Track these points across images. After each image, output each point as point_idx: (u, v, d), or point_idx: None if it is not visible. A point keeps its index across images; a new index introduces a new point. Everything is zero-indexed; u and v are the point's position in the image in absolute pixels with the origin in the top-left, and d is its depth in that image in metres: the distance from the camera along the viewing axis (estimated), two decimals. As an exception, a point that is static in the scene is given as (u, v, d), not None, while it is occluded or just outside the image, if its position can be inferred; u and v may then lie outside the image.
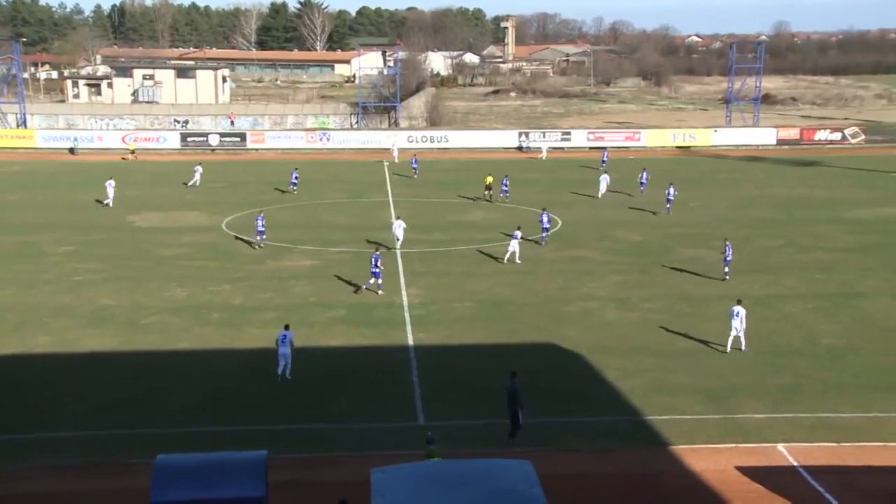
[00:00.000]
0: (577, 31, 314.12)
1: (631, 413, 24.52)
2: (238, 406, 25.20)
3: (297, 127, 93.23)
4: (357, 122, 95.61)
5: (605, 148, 74.05)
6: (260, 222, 43.57)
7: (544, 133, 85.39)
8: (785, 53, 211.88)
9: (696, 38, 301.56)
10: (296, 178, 59.59)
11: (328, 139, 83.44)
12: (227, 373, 27.71)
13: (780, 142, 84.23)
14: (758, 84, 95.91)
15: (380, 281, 35.59)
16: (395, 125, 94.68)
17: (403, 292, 35.85)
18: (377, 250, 36.88)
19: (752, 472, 20.92)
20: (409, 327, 31.67)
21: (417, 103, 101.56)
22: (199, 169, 62.30)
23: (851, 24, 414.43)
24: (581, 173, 67.21)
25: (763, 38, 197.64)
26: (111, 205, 53.98)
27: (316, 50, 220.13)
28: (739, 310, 28.71)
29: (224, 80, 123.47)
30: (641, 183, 57.93)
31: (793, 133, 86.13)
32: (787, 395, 25.55)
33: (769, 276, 37.95)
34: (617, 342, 30.05)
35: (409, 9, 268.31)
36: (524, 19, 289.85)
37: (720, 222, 49.04)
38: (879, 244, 43.84)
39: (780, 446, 22.36)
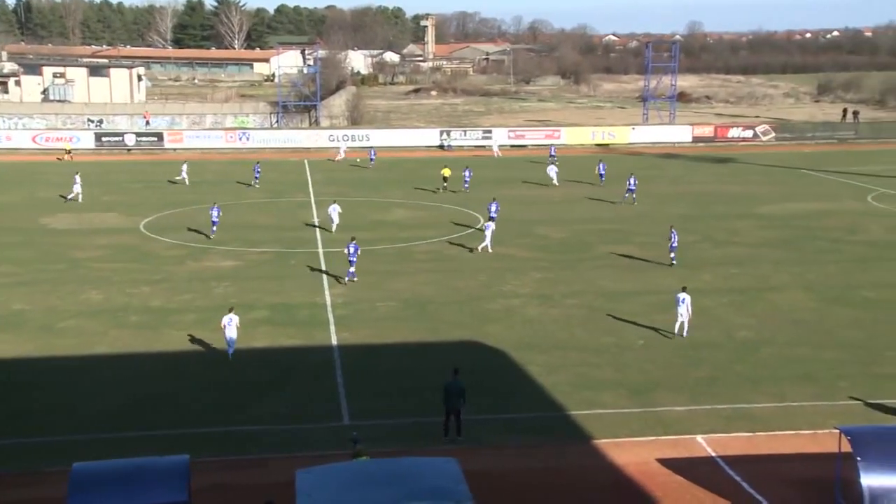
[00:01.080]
0: (497, 29, 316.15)
1: (555, 409, 24.81)
2: (159, 410, 24.74)
3: (216, 126, 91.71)
4: (277, 121, 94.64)
5: (552, 145, 75.23)
6: (215, 213, 44.96)
7: (465, 131, 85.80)
8: (699, 53, 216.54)
9: (613, 38, 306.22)
10: (258, 171, 61.04)
11: (248, 139, 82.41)
12: (146, 376, 27.18)
13: (696, 139, 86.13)
14: (673, 83, 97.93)
15: (352, 269, 36.60)
16: (315, 124, 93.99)
17: (326, 292, 35.64)
18: (353, 240, 37.32)
19: (672, 464, 21.38)
20: (332, 327, 31.51)
21: (338, 102, 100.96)
22: (186, 166, 62.28)
23: (760, 25, 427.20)
24: (502, 171, 67.74)
25: (678, 37, 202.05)
26: (80, 199, 54.31)
27: (234, 48, 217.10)
28: (685, 296, 29.83)
29: (139, 78, 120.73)
30: (601, 175, 60.24)
31: (707, 130, 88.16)
32: (705, 387, 26.17)
33: (686, 270, 38.76)
34: (540, 338, 30.37)
35: (329, 7, 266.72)
36: (444, 18, 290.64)
37: (639, 218, 49.95)
38: (789, 238, 45.18)
39: (700, 437, 22.90)
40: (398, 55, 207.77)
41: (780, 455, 21.94)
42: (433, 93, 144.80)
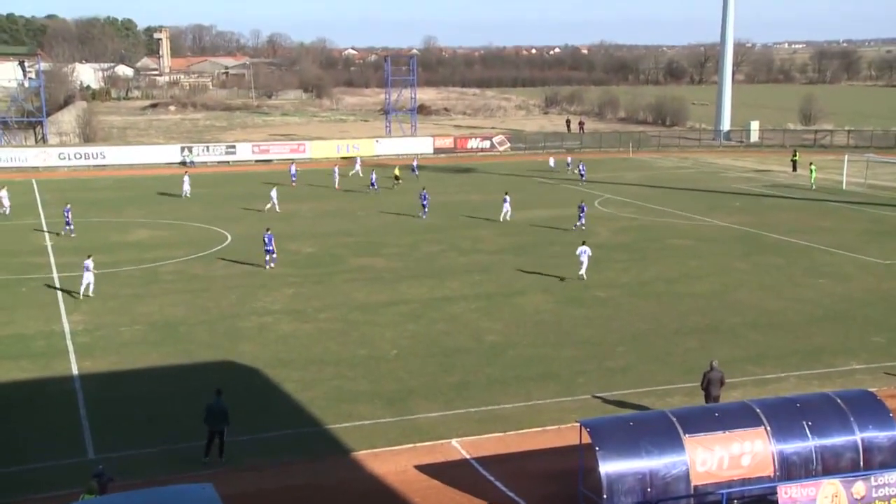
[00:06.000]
0: (236, 43, 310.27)
1: (312, 424, 24.74)
2: None
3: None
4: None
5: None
6: (67, 214, 48.79)
7: (208, 146, 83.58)
8: (436, 67, 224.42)
9: (352, 52, 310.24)
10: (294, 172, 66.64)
11: (-35, 157, 75.95)
12: None
13: (437, 150, 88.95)
14: (413, 95, 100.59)
15: (274, 255, 41.50)
16: (43, 142, 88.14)
17: (65, 319, 33.55)
18: (268, 230, 42.15)
19: (429, 470, 21.94)
20: (72, 356, 29.70)
21: (67, 118, 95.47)
22: (275, 194, 57.27)
23: (491, 41, 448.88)
24: (247, 187, 66.71)
25: (415, 52, 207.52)
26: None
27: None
28: (585, 249, 39.29)
29: None
30: (581, 173, 68.04)
31: (448, 142, 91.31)
32: (457, 392, 27.05)
33: (435, 280, 39.92)
34: (294, 354, 30.19)
35: (49, 16, 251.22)
36: (179, 30, 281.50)
37: (387, 230, 50.82)
38: (527, 244, 47.60)
39: (454, 441, 23.64)
40: (132, 69, 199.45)
41: (528, 452, 23.08)
42: (172, 108, 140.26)
